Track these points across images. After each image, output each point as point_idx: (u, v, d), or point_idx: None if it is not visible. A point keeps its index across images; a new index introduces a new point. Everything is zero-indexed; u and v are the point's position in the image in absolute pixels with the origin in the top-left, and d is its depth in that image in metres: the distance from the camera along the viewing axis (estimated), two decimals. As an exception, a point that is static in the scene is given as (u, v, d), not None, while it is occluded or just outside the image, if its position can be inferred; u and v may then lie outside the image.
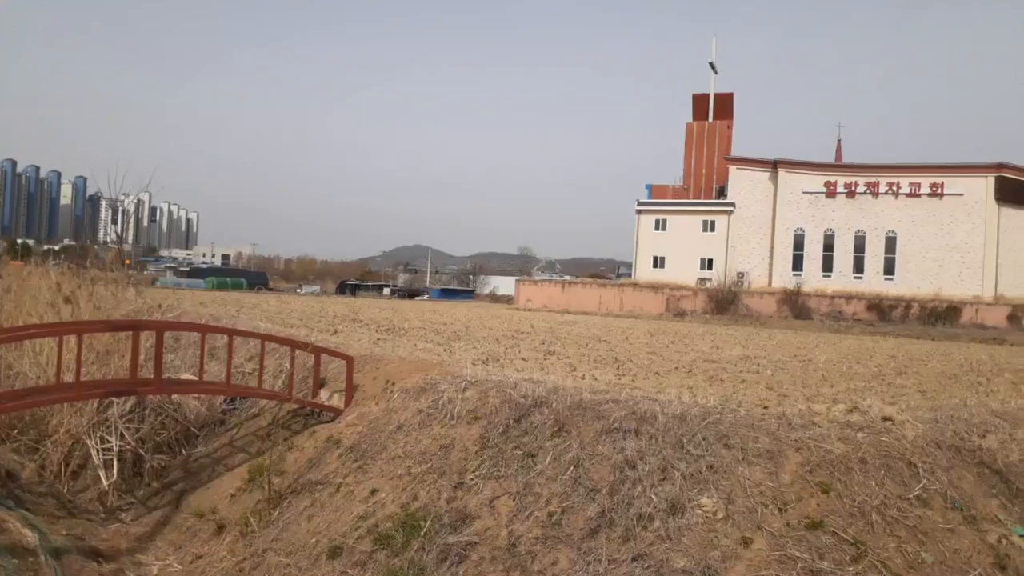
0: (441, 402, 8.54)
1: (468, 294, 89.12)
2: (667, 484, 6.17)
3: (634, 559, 5.54)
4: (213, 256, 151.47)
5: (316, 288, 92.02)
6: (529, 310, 49.68)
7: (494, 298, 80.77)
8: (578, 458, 6.84)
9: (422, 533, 6.53)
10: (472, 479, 7.14)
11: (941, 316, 46.99)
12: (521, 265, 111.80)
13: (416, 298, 75.98)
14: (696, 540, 5.56)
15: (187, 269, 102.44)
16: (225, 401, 11.26)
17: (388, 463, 7.95)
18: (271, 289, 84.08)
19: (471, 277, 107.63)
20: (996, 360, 21.26)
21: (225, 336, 11.22)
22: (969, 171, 51.82)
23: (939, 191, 52.01)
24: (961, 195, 51.59)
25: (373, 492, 7.54)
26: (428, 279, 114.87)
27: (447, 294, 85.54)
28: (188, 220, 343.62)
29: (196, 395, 10.70)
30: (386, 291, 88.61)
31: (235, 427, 10.72)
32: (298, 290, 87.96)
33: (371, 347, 13.32)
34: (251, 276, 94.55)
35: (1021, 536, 6.11)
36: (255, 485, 8.79)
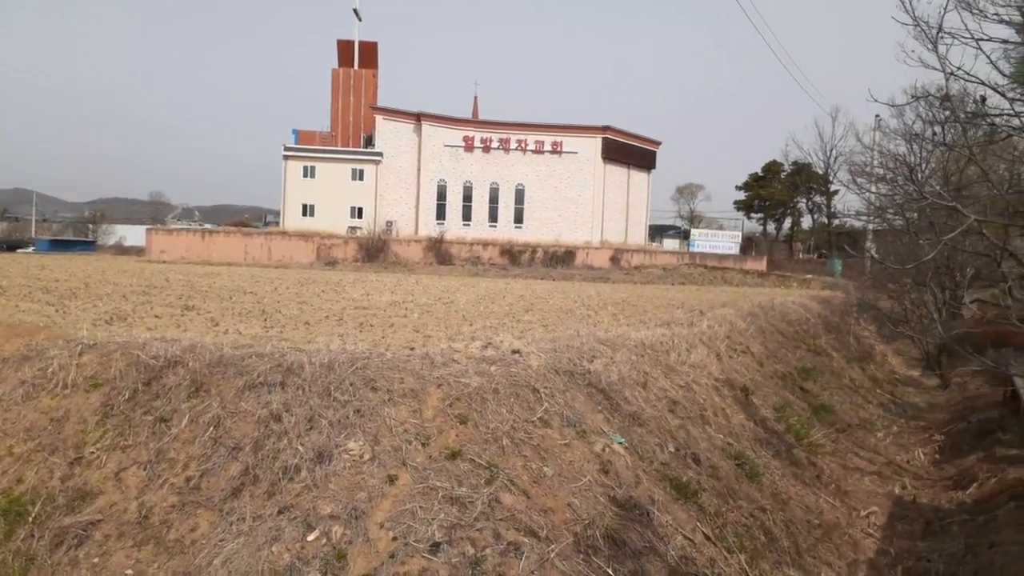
0: (51, 370, 7.38)
1: (87, 245, 77.89)
2: (314, 433, 6.12)
3: (280, 512, 5.42)
4: None
5: None
6: (164, 262, 45.37)
7: (120, 250, 71.76)
8: (219, 417, 6.45)
9: (31, 519, 5.67)
10: (93, 452, 6.34)
11: (560, 259, 53.76)
12: (153, 212, 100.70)
13: (18, 251, 64.27)
14: (343, 484, 5.61)
15: None
16: None
17: (-20, 446, 6.69)
18: None
19: (91, 226, 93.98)
20: (602, 296, 24.98)
21: None
22: (582, 132, 59.10)
23: (559, 149, 58.56)
24: (576, 153, 58.72)
25: (-38, 482, 6.30)
26: (34, 228, 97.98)
27: (60, 246, 73.69)
28: None
29: None
30: (-25, 244, 73.82)
31: None
32: None
33: (-47, 311, 11.00)
34: None
35: (619, 443, 7.27)
36: None
